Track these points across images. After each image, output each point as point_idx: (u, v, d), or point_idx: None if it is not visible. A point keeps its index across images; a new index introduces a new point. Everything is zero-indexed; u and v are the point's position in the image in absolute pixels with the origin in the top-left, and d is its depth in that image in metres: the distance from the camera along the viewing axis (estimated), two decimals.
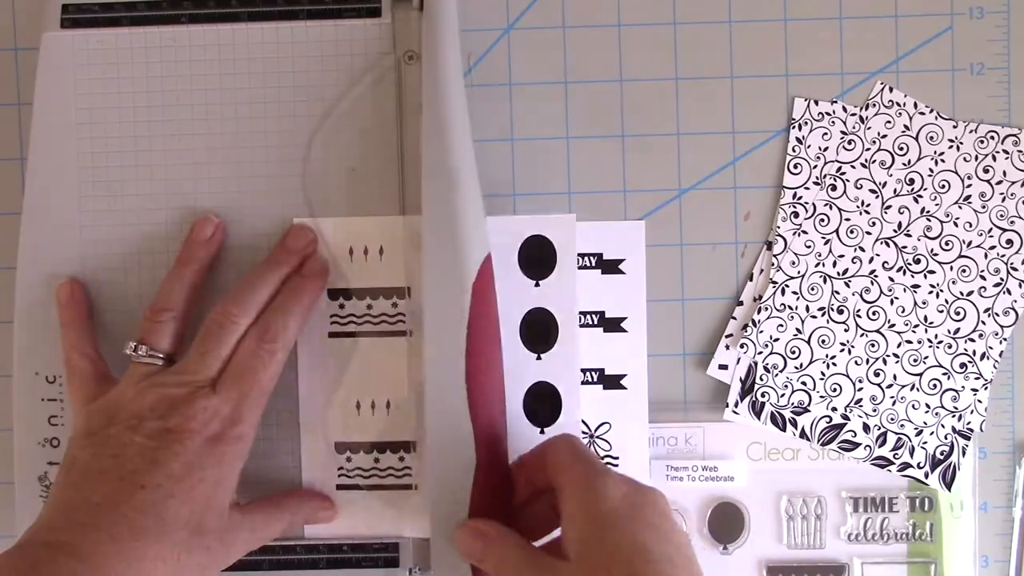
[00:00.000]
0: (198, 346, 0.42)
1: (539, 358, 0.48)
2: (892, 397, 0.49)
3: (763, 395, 0.49)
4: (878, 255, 0.49)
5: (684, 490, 0.49)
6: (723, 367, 0.49)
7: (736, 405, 0.49)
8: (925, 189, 0.49)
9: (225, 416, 0.41)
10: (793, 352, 0.49)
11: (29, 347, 0.47)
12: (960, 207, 0.49)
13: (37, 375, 0.47)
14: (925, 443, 0.49)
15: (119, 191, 0.47)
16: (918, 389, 0.49)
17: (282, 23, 0.47)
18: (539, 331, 0.48)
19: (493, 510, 0.43)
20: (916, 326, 0.49)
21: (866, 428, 0.49)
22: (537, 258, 0.48)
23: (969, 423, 0.49)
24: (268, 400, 0.43)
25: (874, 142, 0.49)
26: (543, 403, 0.47)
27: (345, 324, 0.46)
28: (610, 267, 0.49)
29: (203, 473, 0.40)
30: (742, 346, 0.49)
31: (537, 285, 0.48)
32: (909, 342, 0.49)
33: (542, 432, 0.48)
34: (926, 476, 0.49)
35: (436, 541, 0.43)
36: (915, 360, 0.49)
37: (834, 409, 0.49)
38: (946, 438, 0.49)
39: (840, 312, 0.49)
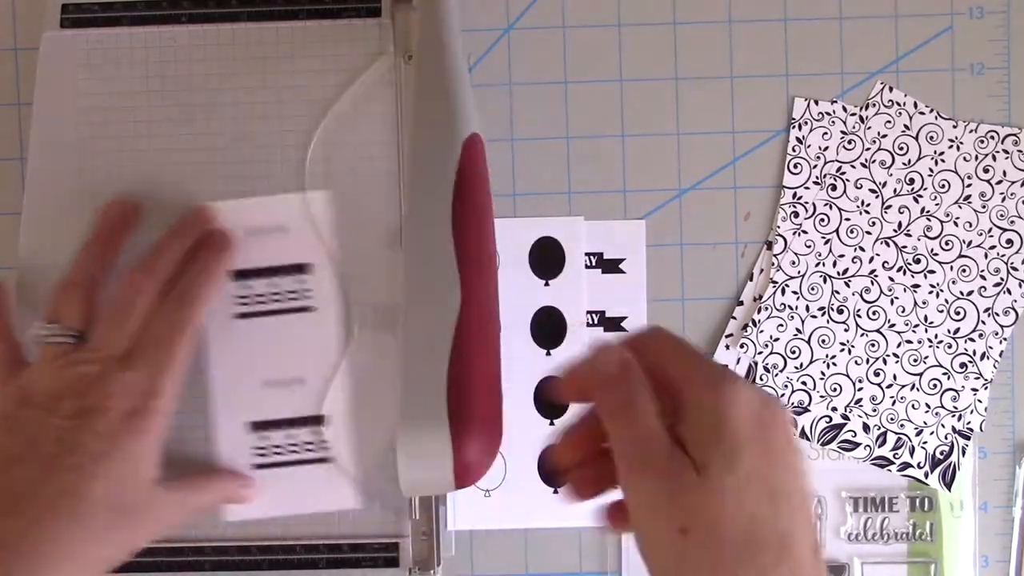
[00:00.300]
0: (108, 319, 0.42)
1: (549, 354, 0.49)
2: (892, 397, 0.49)
3: None
4: (878, 255, 0.49)
5: None
6: None
7: None
8: (925, 189, 0.49)
9: (143, 390, 0.41)
10: (793, 352, 0.49)
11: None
12: (960, 207, 0.49)
13: None
14: (925, 443, 0.49)
15: (119, 190, 0.47)
16: (918, 389, 0.49)
17: (282, 23, 0.47)
18: (550, 329, 0.49)
19: (480, 359, 0.38)
20: (916, 326, 0.49)
21: (866, 428, 0.49)
22: (546, 258, 0.49)
23: (969, 423, 0.49)
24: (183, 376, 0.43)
25: (874, 142, 0.49)
26: None
27: (251, 304, 0.46)
28: (611, 266, 0.49)
29: (123, 451, 0.40)
30: (742, 346, 0.49)
31: (547, 284, 0.49)
32: (909, 342, 0.49)
33: (552, 424, 0.48)
34: (926, 476, 0.49)
35: (408, 396, 0.37)
36: (915, 360, 0.49)
37: (834, 409, 0.49)
38: (946, 438, 0.49)
39: (840, 312, 0.49)
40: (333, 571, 0.47)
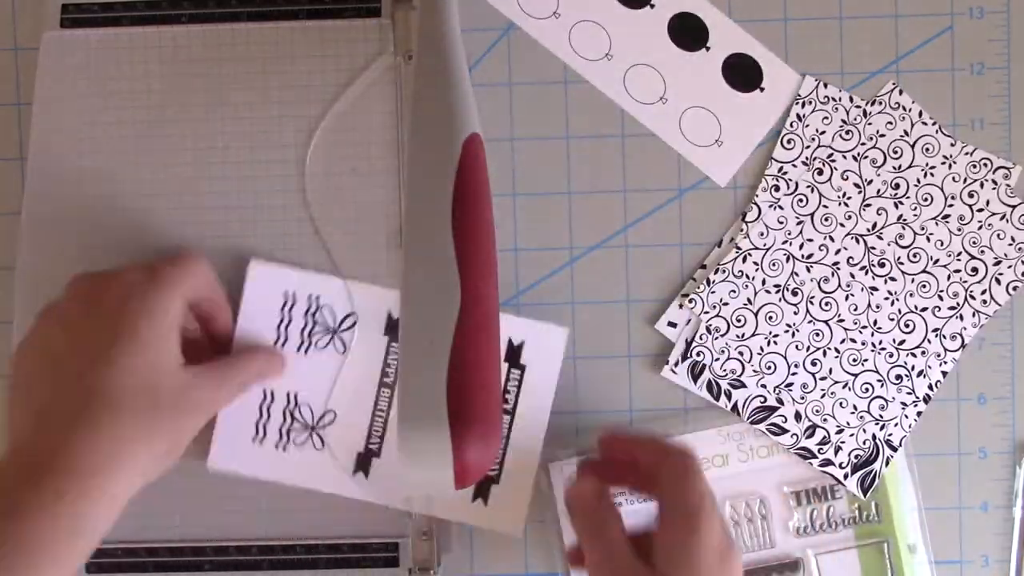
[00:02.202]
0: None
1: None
2: (823, 390, 0.49)
3: (699, 354, 0.49)
4: (845, 249, 0.49)
5: (625, 513, 0.44)
6: (672, 324, 0.50)
7: (676, 365, 0.49)
8: (908, 197, 0.49)
9: (142, 279, 0.41)
10: (739, 320, 0.49)
11: None
12: (937, 224, 0.49)
13: None
14: (843, 442, 0.49)
15: (119, 190, 0.47)
16: (850, 388, 0.49)
17: (282, 23, 0.47)
18: None
19: (480, 360, 0.38)
20: (864, 327, 0.49)
21: (797, 416, 0.49)
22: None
23: (891, 435, 0.49)
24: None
25: (871, 138, 0.49)
26: None
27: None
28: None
29: (136, 334, 0.39)
30: (691, 301, 0.49)
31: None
32: (853, 341, 0.49)
33: None
34: (845, 478, 0.49)
35: (408, 397, 0.37)
36: (854, 360, 0.49)
37: (763, 386, 0.49)
38: (864, 443, 0.49)
39: (795, 294, 0.49)
40: (333, 571, 0.47)
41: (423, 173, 0.39)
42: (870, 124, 0.49)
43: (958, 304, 0.49)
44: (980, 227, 0.49)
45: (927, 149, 0.49)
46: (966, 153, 0.49)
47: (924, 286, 0.49)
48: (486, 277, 0.39)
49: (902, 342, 0.49)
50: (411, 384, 0.37)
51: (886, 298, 0.49)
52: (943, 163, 0.49)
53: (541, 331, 0.48)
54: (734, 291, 0.49)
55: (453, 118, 0.40)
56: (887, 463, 0.49)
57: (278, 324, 0.46)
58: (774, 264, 0.49)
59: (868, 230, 0.49)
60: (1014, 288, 0.49)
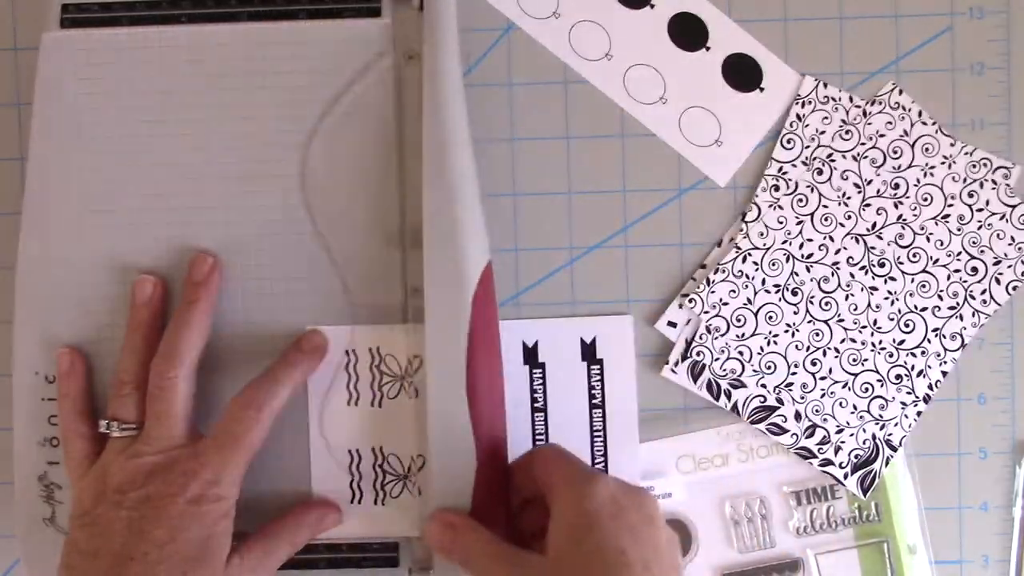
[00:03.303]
0: (151, 409, 0.43)
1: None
2: (823, 390, 0.49)
3: (699, 354, 0.49)
4: (845, 248, 0.49)
5: None
6: (672, 324, 0.50)
7: (676, 364, 0.49)
8: (907, 197, 0.49)
9: (206, 480, 0.41)
10: (739, 320, 0.49)
11: (29, 347, 0.46)
12: (936, 224, 0.49)
13: (37, 375, 0.47)
14: (843, 442, 0.49)
15: (119, 190, 0.47)
16: (849, 388, 0.49)
17: (282, 23, 0.47)
18: None
19: (494, 511, 0.43)
20: (864, 327, 0.49)
21: (797, 416, 0.49)
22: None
23: (891, 434, 0.49)
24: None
25: (871, 138, 0.49)
26: None
27: None
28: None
29: (188, 534, 0.40)
30: (691, 301, 0.49)
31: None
32: (853, 341, 0.49)
33: None
34: (845, 477, 0.49)
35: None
36: (854, 360, 0.49)
37: (763, 386, 0.49)
38: (864, 443, 0.49)
39: (795, 294, 0.49)
40: (333, 571, 0.47)
41: (439, 325, 0.43)
42: (870, 124, 0.50)
43: (958, 304, 0.49)
44: (980, 227, 0.49)
45: (927, 149, 0.49)
46: (966, 153, 0.50)
47: (924, 286, 0.49)
48: (498, 431, 0.44)
49: (902, 342, 0.49)
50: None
51: (886, 298, 0.49)
52: (943, 163, 0.49)
53: (609, 324, 0.50)
54: (734, 291, 0.49)
55: (467, 255, 0.43)
56: (887, 463, 0.49)
57: (346, 384, 0.46)
58: (774, 264, 0.49)
59: (868, 230, 0.49)
60: (1014, 288, 0.49)
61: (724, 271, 0.49)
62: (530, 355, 0.49)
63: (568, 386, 0.49)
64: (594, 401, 0.49)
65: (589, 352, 0.49)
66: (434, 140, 0.43)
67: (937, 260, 0.49)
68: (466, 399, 0.42)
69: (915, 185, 0.49)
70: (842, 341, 0.49)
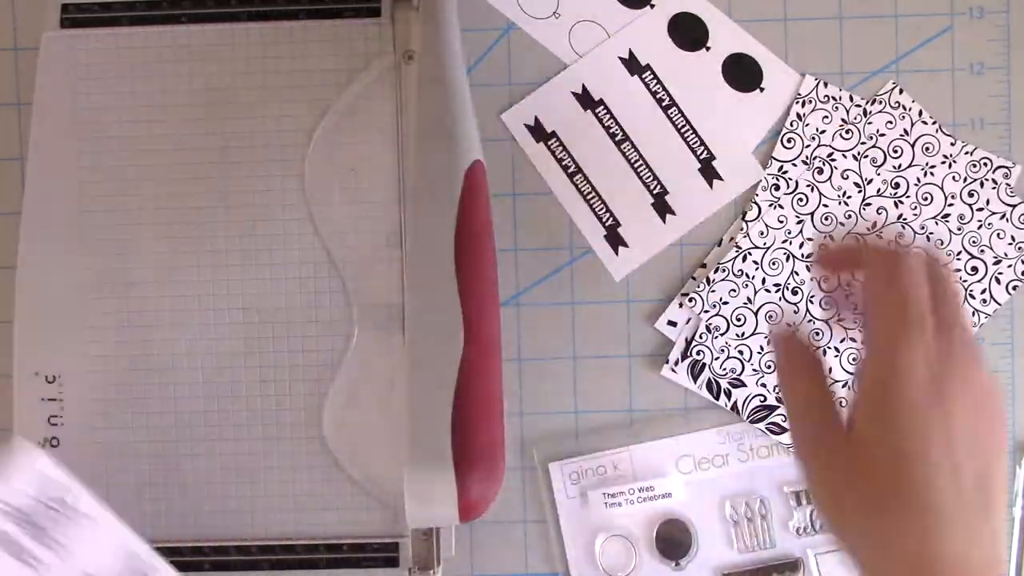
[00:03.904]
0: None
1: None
2: None
3: (699, 353, 0.49)
4: None
5: (626, 514, 0.47)
6: (672, 323, 0.50)
7: (676, 364, 0.49)
8: (908, 196, 0.49)
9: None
10: (739, 319, 0.49)
11: (29, 347, 0.46)
12: (937, 223, 0.49)
13: (37, 375, 0.47)
14: None
15: (119, 191, 0.47)
16: (849, 388, 0.49)
17: (282, 23, 0.47)
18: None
19: (483, 398, 0.39)
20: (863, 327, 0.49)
21: None
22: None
23: None
24: None
25: (871, 137, 0.49)
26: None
27: None
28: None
29: None
30: (691, 300, 0.49)
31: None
32: (852, 340, 0.49)
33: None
34: None
35: (414, 437, 0.38)
36: (854, 359, 0.49)
37: (763, 385, 0.49)
38: None
39: (795, 293, 0.49)
40: (333, 571, 0.47)
41: (424, 210, 0.40)
42: (870, 123, 0.50)
43: None
44: (980, 226, 0.49)
45: (927, 148, 0.49)
46: (966, 152, 0.50)
47: None
48: (489, 316, 0.40)
49: None
50: (417, 425, 0.38)
51: None
52: (943, 162, 0.49)
53: None
54: (734, 290, 0.49)
55: (455, 147, 0.41)
56: None
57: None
58: (774, 263, 0.49)
59: (868, 229, 0.49)
60: (1014, 287, 0.49)
61: (724, 270, 0.49)
62: None
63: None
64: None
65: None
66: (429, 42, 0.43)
67: None
68: (455, 277, 0.39)
69: (915, 184, 0.49)
70: (841, 340, 0.49)
